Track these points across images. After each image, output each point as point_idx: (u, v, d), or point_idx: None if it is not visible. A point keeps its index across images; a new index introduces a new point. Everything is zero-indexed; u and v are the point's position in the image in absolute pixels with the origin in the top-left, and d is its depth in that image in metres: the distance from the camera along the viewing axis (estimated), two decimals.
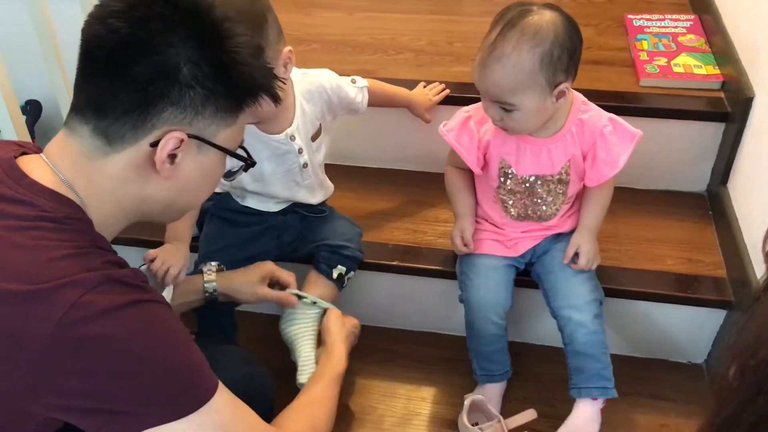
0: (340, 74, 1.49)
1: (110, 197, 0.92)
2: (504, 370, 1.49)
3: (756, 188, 1.50)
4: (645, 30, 1.90)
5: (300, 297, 1.43)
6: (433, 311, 1.69)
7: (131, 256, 1.03)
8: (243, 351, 1.36)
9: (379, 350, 1.66)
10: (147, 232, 1.52)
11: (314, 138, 1.46)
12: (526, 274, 1.50)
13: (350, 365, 1.35)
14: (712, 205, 1.71)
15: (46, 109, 2.29)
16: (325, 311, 1.44)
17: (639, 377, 1.57)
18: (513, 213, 1.45)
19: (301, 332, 1.43)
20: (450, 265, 1.57)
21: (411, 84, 1.73)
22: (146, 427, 0.85)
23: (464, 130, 1.39)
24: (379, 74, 1.77)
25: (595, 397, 1.40)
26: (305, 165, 1.45)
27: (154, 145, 0.88)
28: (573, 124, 1.35)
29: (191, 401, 0.88)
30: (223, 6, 0.92)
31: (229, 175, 1.11)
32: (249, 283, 1.39)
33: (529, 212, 1.44)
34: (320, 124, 1.46)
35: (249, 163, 1.03)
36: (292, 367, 1.42)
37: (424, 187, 1.80)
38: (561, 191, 1.41)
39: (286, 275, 1.42)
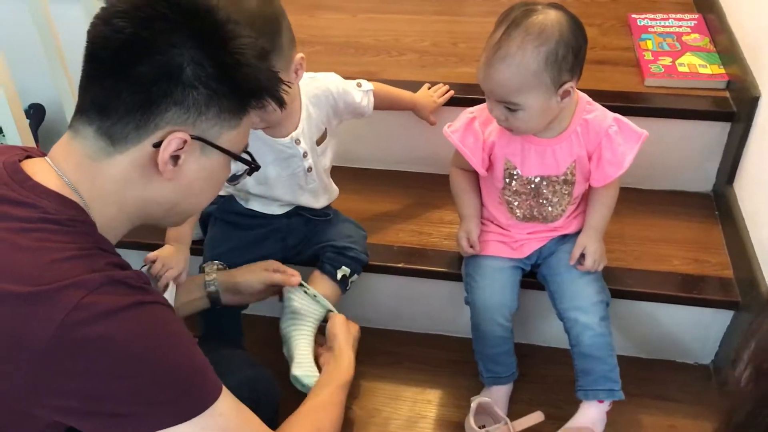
0: (344, 76, 1.49)
1: (114, 199, 0.92)
2: (510, 372, 1.48)
3: (762, 188, 1.49)
4: (649, 29, 1.90)
5: (302, 285, 1.43)
6: (439, 313, 1.68)
7: (132, 258, 1.03)
8: (247, 354, 1.36)
9: (384, 353, 1.65)
10: (150, 236, 1.50)
11: (319, 142, 1.45)
12: (532, 276, 1.50)
13: (355, 368, 1.34)
14: (718, 205, 1.70)
15: (50, 113, 2.29)
16: (326, 312, 1.44)
17: (645, 378, 1.56)
18: (518, 214, 1.44)
19: (300, 328, 1.42)
20: (455, 267, 1.56)
21: (415, 85, 1.73)
22: (148, 431, 0.85)
23: (469, 132, 1.39)
24: (382, 75, 1.77)
25: (601, 399, 1.39)
26: (309, 169, 1.45)
27: (157, 145, 0.89)
28: (578, 124, 1.34)
29: (193, 403, 0.88)
30: (236, 12, 0.93)
31: (234, 179, 1.11)
32: (251, 271, 1.40)
33: (535, 213, 1.43)
34: (325, 129, 1.46)
35: (253, 167, 1.03)
36: None
37: (429, 188, 1.79)
38: (566, 192, 1.40)
39: (290, 270, 1.42)
